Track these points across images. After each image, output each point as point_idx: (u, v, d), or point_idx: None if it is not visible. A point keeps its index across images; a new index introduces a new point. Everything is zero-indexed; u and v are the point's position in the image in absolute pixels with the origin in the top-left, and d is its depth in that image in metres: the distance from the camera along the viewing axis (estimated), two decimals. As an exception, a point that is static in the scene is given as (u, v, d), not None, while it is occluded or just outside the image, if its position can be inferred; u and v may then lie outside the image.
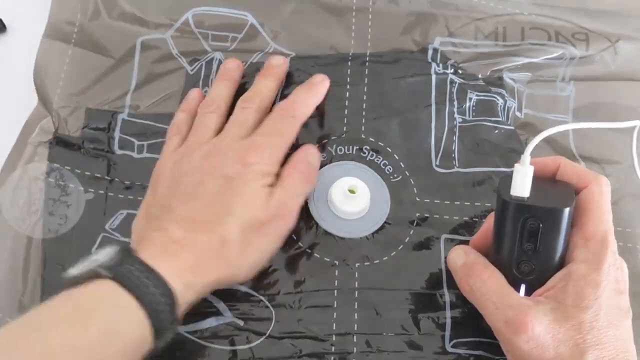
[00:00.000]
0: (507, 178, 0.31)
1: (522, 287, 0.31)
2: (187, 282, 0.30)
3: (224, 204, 0.33)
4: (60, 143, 0.39)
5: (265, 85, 0.39)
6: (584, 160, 0.41)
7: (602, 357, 0.29)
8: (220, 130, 0.37)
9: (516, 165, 0.30)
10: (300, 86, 0.40)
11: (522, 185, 0.30)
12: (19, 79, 0.41)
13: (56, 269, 0.36)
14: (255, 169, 0.34)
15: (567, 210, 0.30)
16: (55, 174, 0.38)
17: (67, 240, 0.37)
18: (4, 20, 0.45)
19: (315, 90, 0.40)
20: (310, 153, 0.38)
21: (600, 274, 0.30)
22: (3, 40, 0.45)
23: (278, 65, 0.40)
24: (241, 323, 0.34)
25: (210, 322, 0.34)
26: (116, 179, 0.38)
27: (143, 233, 0.34)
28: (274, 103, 0.40)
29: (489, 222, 0.34)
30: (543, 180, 0.32)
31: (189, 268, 0.31)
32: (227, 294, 0.35)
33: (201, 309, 0.34)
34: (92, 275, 0.28)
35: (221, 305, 0.35)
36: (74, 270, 0.29)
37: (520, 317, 0.29)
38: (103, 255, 0.29)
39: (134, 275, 0.28)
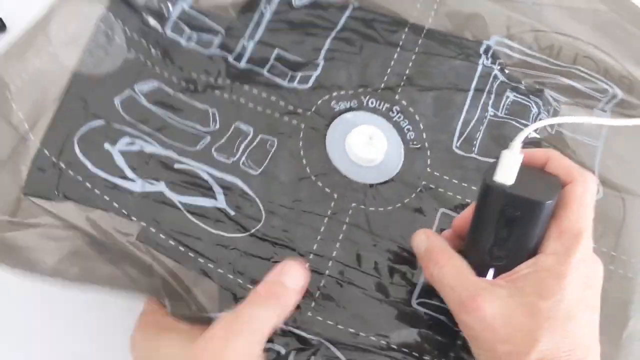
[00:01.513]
0: (496, 163, 0.31)
1: (491, 272, 0.31)
2: None
3: None
4: (123, 0, 0.41)
5: None
6: (603, 183, 0.41)
7: (557, 348, 0.28)
8: None
9: (503, 151, 0.30)
10: None
11: (507, 172, 0.30)
12: None
13: (77, 101, 0.37)
14: None
15: (547, 203, 0.29)
16: (107, 23, 0.39)
17: (95, 82, 0.38)
18: (4, 20, 0.45)
19: None
20: (286, 272, 0.33)
21: (568, 267, 0.29)
22: (3, 40, 0.45)
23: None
24: (232, 213, 0.36)
25: (203, 202, 0.36)
26: (159, 54, 0.40)
27: None
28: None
29: (471, 207, 0.34)
30: (530, 170, 0.32)
31: None
32: (225, 186, 0.37)
33: (199, 186, 0.36)
34: None
35: (218, 191, 0.36)
36: None
37: (472, 298, 0.29)
38: None
39: None
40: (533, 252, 0.31)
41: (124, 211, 0.35)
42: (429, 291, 0.36)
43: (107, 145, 0.36)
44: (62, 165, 0.36)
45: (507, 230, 0.30)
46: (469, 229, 0.33)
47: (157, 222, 0.35)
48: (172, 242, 0.35)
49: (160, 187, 0.36)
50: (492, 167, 0.31)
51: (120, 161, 0.36)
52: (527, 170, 0.31)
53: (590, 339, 0.30)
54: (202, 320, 0.33)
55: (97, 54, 0.39)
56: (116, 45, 0.39)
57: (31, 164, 0.36)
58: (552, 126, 0.43)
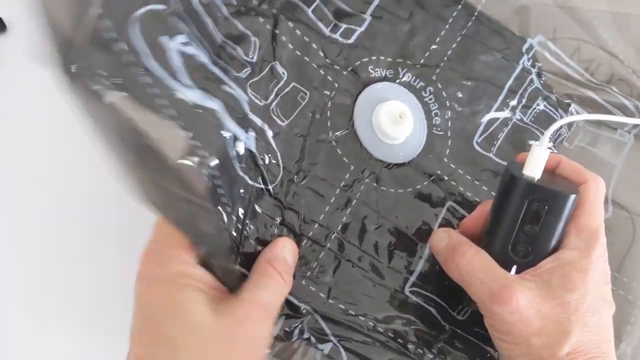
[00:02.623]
0: (516, 162, 0.32)
1: (514, 268, 0.32)
2: None
3: None
4: None
5: None
6: (614, 204, 0.42)
7: (587, 340, 0.30)
8: None
9: (533, 144, 0.31)
10: None
11: (535, 166, 0.31)
12: (19, 78, 0.40)
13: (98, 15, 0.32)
14: None
15: (573, 196, 0.30)
16: None
17: None
18: (4, 20, 0.43)
19: None
20: (287, 249, 0.34)
21: (589, 262, 0.30)
22: (3, 40, 0.43)
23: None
24: (260, 161, 0.34)
25: (241, 134, 0.33)
26: None
27: None
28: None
29: (482, 208, 0.35)
30: (545, 173, 0.33)
31: None
32: (256, 129, 0.34)
33: (241, 119, 0.33)
34: None
35: (252, 133, 0.34)
36: None
37: (505, 289, 0.30)
38: None
39: None
40: (553, 250, 0.31)
41: (179, 122, 0.29)
42: (423, 281, 0.36)
43: (163, 39, 0.31)
44: (123, 46, 0.29)
45: (532, 226, 0.31)
46: (487, 228, 0.33)
47: (201, 140, 0.30)
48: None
49: (217, 105, 0.32)
50: (515, 165, 0.31)
51: (177, 61, 0.31)
52: (543, 173, 0.31)
53: (611, 334, 0.32)
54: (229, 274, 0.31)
55: None
56: None
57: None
58: (571, 142, 0.43)
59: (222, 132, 0.32)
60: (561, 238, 0.32)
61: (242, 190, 0.33)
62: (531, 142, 0.33)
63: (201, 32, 0.34)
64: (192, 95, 0.31)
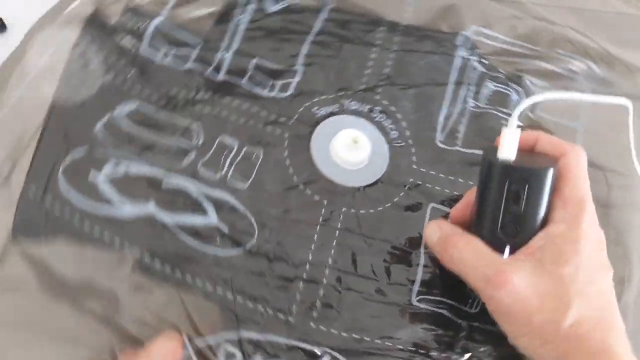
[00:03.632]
0: (492, 147, 0.32)
1: (507, 249, 0.32)
2: None
3: None
4: (95, 23, 0.40)
5: None
6: (589, 165, 0.42)
7: (588, 309, 0.29)
8: None
9: (503, 128, 0.31)
10: None
11: (509, 148, 0.31)
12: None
13: (58, 132, 0.37)
14: None
15: (551, 170, 0.31)
16: (83, 48, 0.39)
17: (75, 109, 0.38)
18: (4, 20, 0.45)
19: None
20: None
21: (579, 232, 0.30)
22: (3, 40, 0.45)
23: None
24: (225, 230, 0.36)
25: (196, 219, 0.36)
26: (136, 73, 0.40)
27: None
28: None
29: (469, 196, 0.35)
30: (523, 152, 0.33)
31: None
32: (214, 201, 0.37)
33: (189, 204, 0.36)
34: None
35: (210, 207, 0.36)
36: None
37: (500, 273, 0.30)
38: None
39: None
40: (542, 225, 0.32)
41: (116, 239, 0.35)
42: (427, 287, 0.36)
43: (92, 173, 0.36)
44: (48, 203, 0.35)
45: (516, 206, 0.31)
46: (475, 214, 0.33)
47: (151, 248, 0.35)
48: (168, 269, 0.35)
49: (150, 208, 0.36)
50: (491, 150, 0.32)
51: (106, 188, 0.36)
52: (520, 152, 0.32)
53: (612, 300, 0.31)
54: None
55: (74, 80, 0.39)
56: (93, 69, 0.39)
57: (17, 204, 0.35)
58: (533, 111, 0.44)
59: (167, 227, 0.36)
60: (548, 211, 0.32)
61: (216, 265, 0.35)
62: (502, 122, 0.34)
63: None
64: (126, 211, 0.36)
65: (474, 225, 0.33)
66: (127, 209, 0.36)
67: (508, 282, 0.29)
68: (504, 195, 0.31)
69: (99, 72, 0.39)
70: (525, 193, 0.31)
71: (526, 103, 0.32)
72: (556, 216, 0.31)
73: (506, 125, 0.32)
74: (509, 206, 0.31)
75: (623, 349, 0.30)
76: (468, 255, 0.32)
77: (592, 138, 0.43)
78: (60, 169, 0.36)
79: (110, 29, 0.41)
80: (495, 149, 0.32)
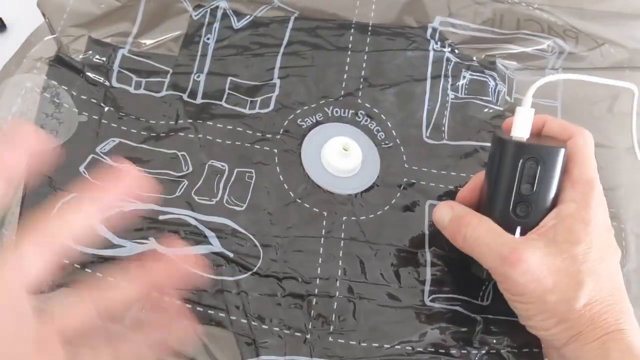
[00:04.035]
0: (502, 129, 0.33)
1: (518, 230, 0.32)
2: None
3: None
4: (60, 62, 0.39)
5: None
6: None
7: (600, 289, 0.30)
8: None
9: (518, 107, 0.32)
10: None
11: (522, 127, 0.32)
12: None
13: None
14: None
15: (563, 150, 0.31)
16: (52, 91, 0.38)
17: (55, 155, 0.36)
18: (4, 20, 0.44)
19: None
20: None
21: (589, 211, 0.31)
22: (3, 40, 0.44)
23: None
24: (230, 255, 0.35)
25: (199, 249, 0.35)
26: (111, 108, 0.38)
27: None
28: None
29: (476, 179, 0.35)
30: (531, 136, 0.33)
31: None
32: (216, 228, 0.36)
33: (191, 236, 0.35)
34: None
35: (211, 235, 0.36)
36: None
37: (515, 252, 0.30)
38: None
39: None
40: (553, 205, 0.32)
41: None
42: (438, 286, 0.36)
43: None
44: None
45: (529, 185, 0.31)
46: (485, 196, 0.34)
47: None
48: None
49: (151, 244, 0.35)
50: (500, 132, 0.33)
51: (102, 231, 0.35)
52: (530, 136, 0.33)
53: (621, 280, 0.32)
54: None
55: (49, 125, 0.37)
56: (66, 110, 0.38)
57: None
58: (510, 95, 0.44)
59: None
60: (558, 193, 0.32)
61: (226, 291, 0.34)
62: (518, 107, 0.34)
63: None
64: (127, 250, 0.35)
65: (483, 206, 0.34)
66: (128, 248, 0.34)
67: (522, 261, 0.30)
68: (517, 173, 0.32)
69: (74, 112, 0.38)
70: (539, 172, 0.31)
71: (541, 82, 0.32)
72: (566, 196, 0.32)
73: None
74: (522, 185, 0.32)
75: (633, 330, 0.30)
76: (482, 235, 0.32)
77: (569, 114, 0.43)
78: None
79: (77, 66, 0.39)
80: (505, 132, 0.33)
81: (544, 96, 0.44)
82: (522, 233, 0.32)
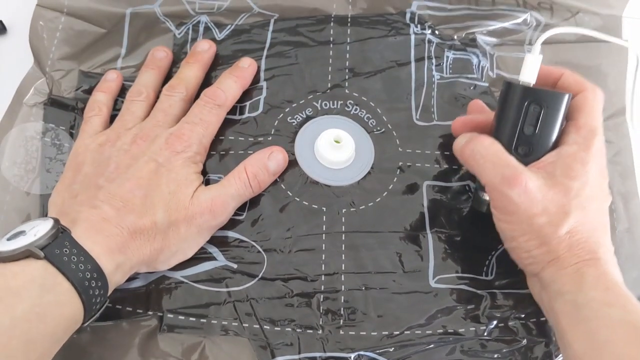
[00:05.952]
0: (513, 78, 0.34)
1: None
2: (117, 262, 0.31)
3: (154, 188, 0.33)
4: (54, 104, 0.40)
5: (190, 72, 0.39)
6: None
7: (584, 222, 0.32)
8: (145, 117, 0.37)
9: (527, 54, 0.34)
10: (226, 71, 0.40)
11: (530, 73, 0.34)
12: (19, 79, 0.41)
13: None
14: (183, 157, 0.35)
15: (567, 95, 0.33)
16: (51, 134, 0.39)
17: None
18: (4, 22, 0.45)
19: (241, 76, 0.39)
20: (273, 157, 0.37)
21: (589, 154, 0.33)
22: (3, 41, 0.45)
23: (204, 51, 0.40)
24: (234, 266, 0.36)
25: (205, 267, 0.35)
26: None
27: (69, 209, 0.33)
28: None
29: (486, 116, 0.38)
30: (546, 85, 0.35)
31: (118, 249, 0.31)
32: (219, 241, 0.36)
33: (195, 255, 0.36)
34: (26, 254, 0.28)
35: (214, 250, 0.36)
36: (10, 245, 0.28)
37: (516, 174, 0.32)
38: (37, 231, 0.29)
39: (66, 256, 0.28)
40: (552, 149, 0.34)
41: (138, 310, 0.35)
42: (442, 267, 0.37)
43: None
44: None
45: (531, 127, 0.33)
46: (492, 134, 0.35)
47: (170, 306, 0.35)
48: (191, 319, 0.34)
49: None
50: (510, 79, 0.35)
51: None
52: (542, 84, 0.35)
53: (607, 222, 0.34)
54: None
55: (55, 168, 0.38)
56: (68, 150, 0.38)
57: None
58: (492, 71, 0.45)
59: (180, 282, 0.36)
60: (559, 137, 0.34)
61: (236, 301, 0.35)
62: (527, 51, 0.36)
63: None
64: (139, 281, 0.36)
65: None
66: (141, 279, 0.35)
67: (522, 184, 0.32)
68: (522, 116, 0.33)
69: None
70: (542, 115, 0.33)
71: (549, 33, 0.34)
72: (569, 139, 0.34)
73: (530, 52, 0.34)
74: (525, 127, 0.34)
75: (610, 261, 0.32)
76: (490, 153, 0.34)
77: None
78: None
79: (70, 104, 0.40)
80: (515, 79, 0.35)
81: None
82: None
